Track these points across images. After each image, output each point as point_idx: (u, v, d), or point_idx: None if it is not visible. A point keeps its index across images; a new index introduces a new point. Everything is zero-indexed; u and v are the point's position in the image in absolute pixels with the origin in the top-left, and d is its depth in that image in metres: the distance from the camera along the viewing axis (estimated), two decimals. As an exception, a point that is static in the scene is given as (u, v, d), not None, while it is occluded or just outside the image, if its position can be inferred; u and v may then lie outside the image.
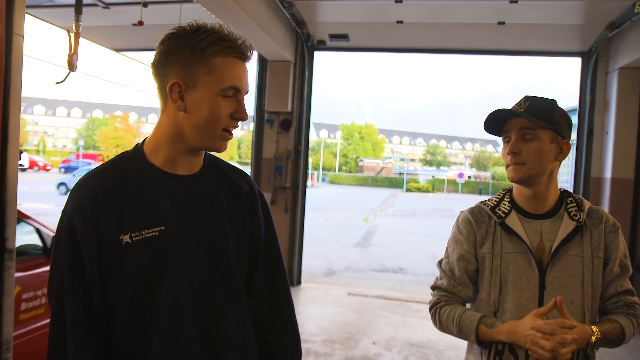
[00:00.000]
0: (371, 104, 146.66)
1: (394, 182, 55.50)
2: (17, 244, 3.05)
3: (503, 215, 1.55)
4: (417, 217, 21.81)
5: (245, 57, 1.17)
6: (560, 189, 1.58)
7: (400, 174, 61.89)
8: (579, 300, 1.47)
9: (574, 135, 6.49)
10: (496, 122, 1.53)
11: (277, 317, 1.35)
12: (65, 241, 1.11)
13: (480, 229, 1.57)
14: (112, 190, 1.13)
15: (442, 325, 1.59)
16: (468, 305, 1.64)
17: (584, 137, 6.16)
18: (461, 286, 1.58)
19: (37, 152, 59.07)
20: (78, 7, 2.14)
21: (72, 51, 2.12)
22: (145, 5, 3.83)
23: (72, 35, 2.13)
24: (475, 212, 1.61)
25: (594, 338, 1.39)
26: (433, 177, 57.91)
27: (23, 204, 14.34)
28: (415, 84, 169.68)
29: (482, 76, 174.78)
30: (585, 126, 6.14)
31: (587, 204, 1.55)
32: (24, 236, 3.39)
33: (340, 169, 72.49)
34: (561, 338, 1.32)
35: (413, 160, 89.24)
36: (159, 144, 1.19)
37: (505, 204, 1.57)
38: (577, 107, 6.33)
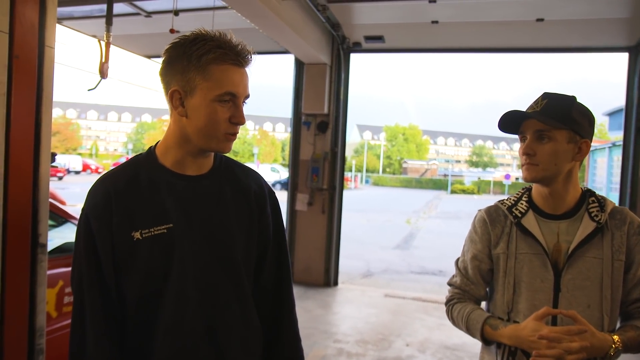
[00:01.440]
0: (415, 105, 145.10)
1: (439, 184, 54.58)
2: (62, 242, 3.26)
3: (519, 215, 1.53)
4: (461, 219, 21.39)
5: (242, 63, 1.22)
6: (582, 188, 1.54)
7: (445, 175, 60.79)
8: (596, 304, 1.43)
9: (620, 134, 6.23)
10: (512, 121, 1.52)
11: (278, 315, 1.40)
12: (83, 237, 1.21)
13: (495, 229, 1.56)
14: (124, 191, 1.22)
15: (454, 321, 1.61)
16: (484, 304, 1.64)
17: (631, 136, 5.90)
18: (473, 285, 1.59)
19: (90, 155, 61.44)
20: (109, 18, 2.28)
21: (104, 60, 2.26)
22: (176, 13, 3.98)
23: (103, 44, 2.27)
24: (492, 212, 1.60)
25: (612, 350, 1.36)
26: (479, 178, 56.55)
27: (77, 205, 15.03)
28: (461, 84, 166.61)
29: (529, 73, 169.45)
30: (633, 124, 5.87)
31: (610, 204, 1.50)
32: (70, 234, 3.59)
33: (384, 171, 71.94)
34: (567, 346, 1.30)
35: (458, 161, 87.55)
36: (168, 146, 1.27)
37: (522, 204, 1.55)
38: (624, 103, 6.08)
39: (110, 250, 1.20)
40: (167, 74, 1.22)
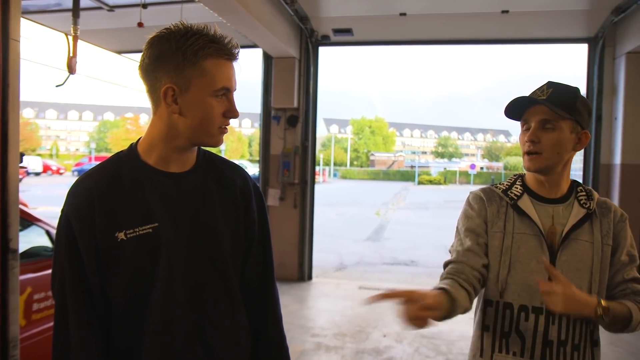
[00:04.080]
0: (381, 98, 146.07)
1: (406, 175, 55.27)
2: (29, 246, 3.13)
3: (515, 197, 1.53)
4: (430, 209, 21.73)
5: (233, 57, 1.20)
6: (570, 180, 1.58)
7: (411, 167, 61.58)
8: (586, 286, 1.46)
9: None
10: (516, 108, 1.52)
11: (263, 312, 1.38)
12: (65, 240, 1.16)
13: (492, 206, 1.55)
14: (107, 190, 1.17)
15: None
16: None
17: (592, 124, 6.10)
18: (471, 253, 1.51)
19: (51, 156, 59.29)
20: (75, 11, 2.18)
21: (71, 54, 2.16)
22: (144, 6, 3.87)
23: (70, 38, 2.17)
24: (487, 191, 1.60)
25: (600, 309, 1.36)
26: (445, 169, 57.58)
27: (38, 208, 14.54)
28: (425, 77, 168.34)
29: (492, 66, 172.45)
30: (594, 112, 6.07)
31: (596, 195, 1.55)
32: (36, 238, 3.46)
33: (351, 164, 72.30)
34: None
35: (424, 152, 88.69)
36: (153, 143, 1.22)
37: (517, 187, 1.56)
38: (585, 94, 6.27)
39: (94, 252, 1.15)
40: (156, 70, 1.16)
